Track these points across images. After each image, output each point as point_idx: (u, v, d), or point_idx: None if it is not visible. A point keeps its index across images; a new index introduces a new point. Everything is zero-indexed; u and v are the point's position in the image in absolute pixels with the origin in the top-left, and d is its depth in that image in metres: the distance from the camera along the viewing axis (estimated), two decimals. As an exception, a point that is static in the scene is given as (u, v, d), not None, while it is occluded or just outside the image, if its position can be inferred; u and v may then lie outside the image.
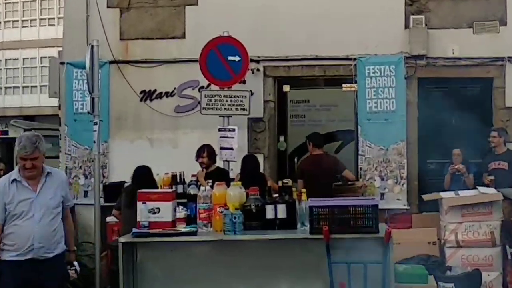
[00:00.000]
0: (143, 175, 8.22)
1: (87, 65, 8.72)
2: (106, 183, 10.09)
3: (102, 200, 9.48)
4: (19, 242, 5.45)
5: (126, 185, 9.69)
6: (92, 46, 8.93)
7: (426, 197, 8.93)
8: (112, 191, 9.80)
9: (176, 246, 5.72)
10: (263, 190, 6.11)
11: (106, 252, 9.06)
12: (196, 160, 8.88)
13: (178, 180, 9.43)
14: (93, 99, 8.95)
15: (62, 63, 10.63)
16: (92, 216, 9.21)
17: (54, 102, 11.50)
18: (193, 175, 8.76)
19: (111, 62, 10.43)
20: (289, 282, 5.61)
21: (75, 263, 5.84)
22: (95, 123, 8.95)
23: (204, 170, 8.79)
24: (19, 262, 5.45)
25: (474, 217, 8.23)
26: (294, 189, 6.25)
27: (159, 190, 6.39)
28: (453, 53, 9.83)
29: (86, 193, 10.33)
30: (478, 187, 8.64)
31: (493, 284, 8.08)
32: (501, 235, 8.12)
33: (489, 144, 9.31)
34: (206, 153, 8.84)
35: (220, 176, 7.98)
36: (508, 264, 7.82)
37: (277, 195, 5.99)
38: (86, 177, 10.37)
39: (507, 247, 7.80)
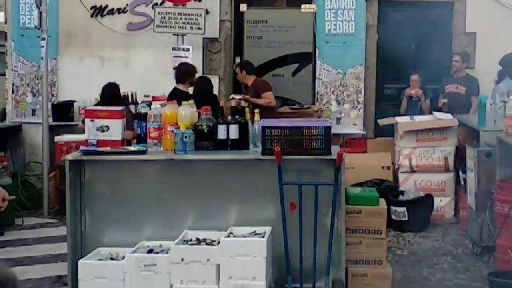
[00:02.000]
0: (112, 92, 8.06)
1: (35, -23, 8.41)
2: (55, 102, 9.78)
3: (50, 119, 9.25)
4: None
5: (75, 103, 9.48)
6: (40, -43, 8.59)
7: (381, 121, 8.89)
8: (61, 110, 9.56)
9: (125, 165, 5.55)
10: (216, 111, 5.95)
11: (54, 173, 8.88)
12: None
13: (129, 100, 9.20)
14: (40, 13, 8.68)
15: (8, -26, 10.15)
16: (40, 135, 9.00)
17: (0, 16, 11.02)
18: (145, 96, 8.54)
19: (60, -25, 9.97)
20: (240, 203, 5.52)
21: None
22: (43, 39, 8.68)
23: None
24: None
25: (428, 142, 8.24)
26: (247, 110, 6.10)
27: (108, 107, 6.14)
28: (415, -25, 9.65)
29: (34, 112, 10.00)
30: (434, 113, 8.62)
31: (445, 209, 8.15)
32: (455, 160, 8.15)
33: (452, 67, 9.23)
34: None
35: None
36: (460, 189, 7.86)
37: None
38: (34, 95, 10.02)
39: (460, 172, 7.83)
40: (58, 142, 8.85)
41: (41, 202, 8.78)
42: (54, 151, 8.90)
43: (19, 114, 10.08)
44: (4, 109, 10.45)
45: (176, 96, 6.86)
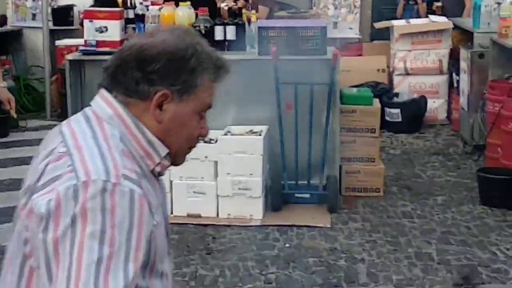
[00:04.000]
0: None
1: None
2: (55, 6, 9.74)
3: (50, 23, 9.28)
4: None
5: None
6: None
7: (377, 25, 8.94)
8: (61, 14, 9.55)
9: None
10: (213, 11, 6.01)
11: (56, 76, 8.98)
12: None
13: (128, 4, 9.16)
14: None
15: None
16: (41, 40, 9.05)
17: None
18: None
19: None
20: (237, 102, 5.64)
21: None
22: None
23: None
24: None
25: (423, 45, 8.31)
26: (244, 11, 6.17)
27: (106, 8, 6.19)
28: None
29: (34, 16, 9.97)
30: (429, 16, 8.66)
31: (438, 111, 8.32)
32: (449, 63, 8.25)
33: None
34: None
35: None
36: (453, 91, 8.00)
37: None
38: (33, 0, 10.00)
39: (454, 74, 7.96)
40: (59, 46, 8.90)
41: (44, 105, 8.94)
42: (55, 55, 8.98)
43: (19, 18, 10.06)
44: (5, 15, 10.41)
45: None
